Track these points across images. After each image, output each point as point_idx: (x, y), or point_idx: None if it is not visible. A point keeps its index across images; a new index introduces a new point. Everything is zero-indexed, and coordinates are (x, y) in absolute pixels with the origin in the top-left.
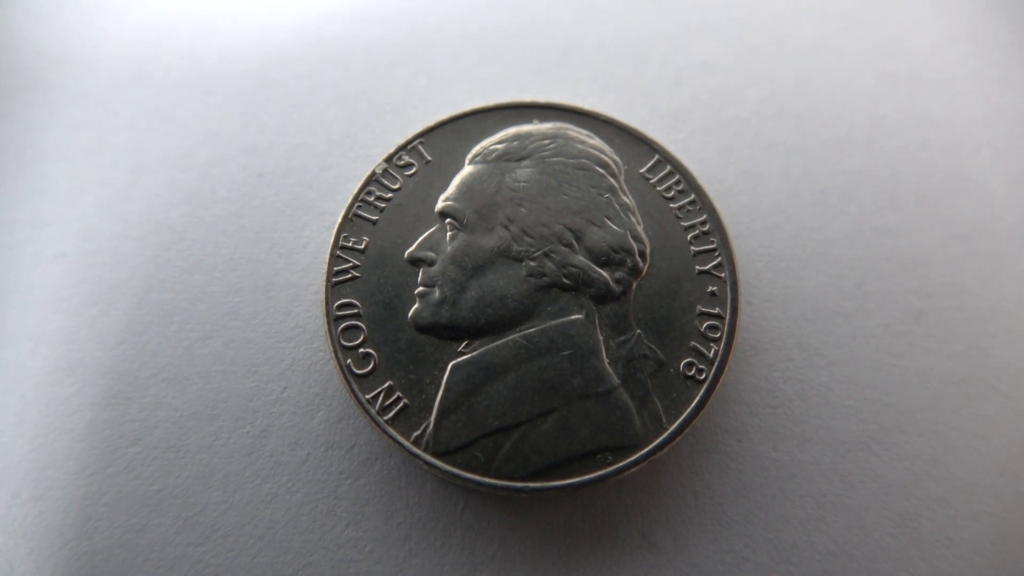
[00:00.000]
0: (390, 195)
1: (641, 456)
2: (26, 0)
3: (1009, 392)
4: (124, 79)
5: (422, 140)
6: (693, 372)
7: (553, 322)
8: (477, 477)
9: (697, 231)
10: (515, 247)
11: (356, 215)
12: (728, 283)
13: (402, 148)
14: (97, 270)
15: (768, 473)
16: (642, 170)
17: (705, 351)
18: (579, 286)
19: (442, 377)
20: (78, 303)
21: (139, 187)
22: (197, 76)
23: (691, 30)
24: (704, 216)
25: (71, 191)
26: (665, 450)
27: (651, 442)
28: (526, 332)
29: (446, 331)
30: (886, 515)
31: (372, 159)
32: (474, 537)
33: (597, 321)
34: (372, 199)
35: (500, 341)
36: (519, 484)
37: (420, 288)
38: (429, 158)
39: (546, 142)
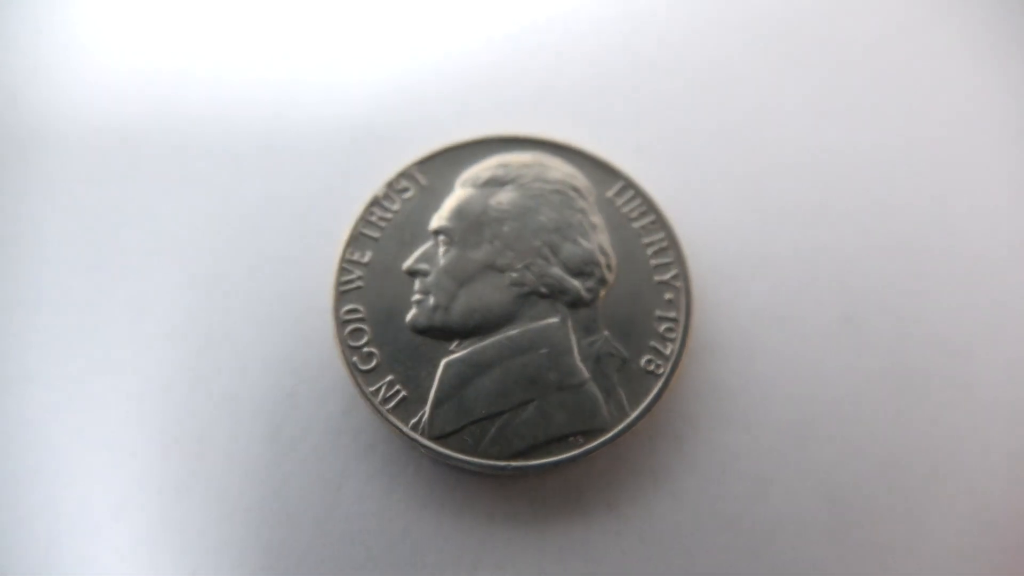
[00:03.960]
0: (390, 215)
1: (608, 439)
2: None
3: (921, 386)
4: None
5: (418, 167)
6: (652, 368)
7: (532, 325)
8: (467, 458)
9: (656, 247)
10: (499, 260)
11: (361, 233)
12: (682, 291)
13: (400, 175)
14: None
15: (716, 454)
16: (608, 194)
17: (663, 350)
18: (555, 294)
19: (436, 372)
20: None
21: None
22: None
23: (652, 71)
24: (662, 234)
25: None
26: (628, 434)
27: (616, 427)
28: (509, 334)
29: (439, 333)
30: (816, 490)
31: (373, 184)
32: (464, 509)
33: (570, 324)
34: (374, 219)
35: (486, 341)
36: (503, 463)
37: (416, 296)
38: (424, 183)
39: (526, 169)
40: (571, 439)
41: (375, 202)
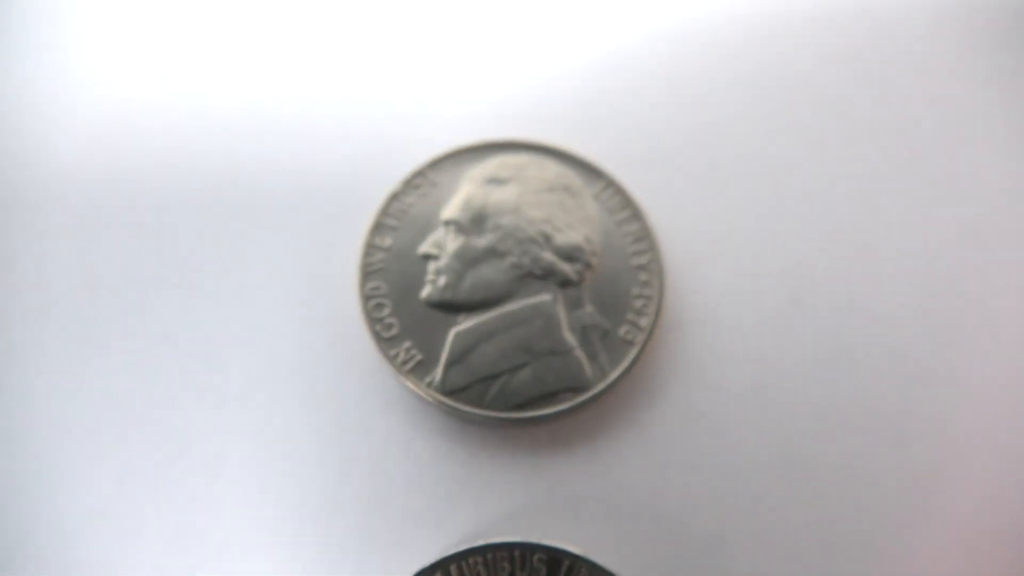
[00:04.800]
0: (406, 207)
1: (591, 396)
2: None
3: (857, 357)
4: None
5: (430, 167)
6: (630, 337)
7: (528, 301)
8: (473, 410)
9: (633, 236)
10: (500, 247)
11: (382, 222)
12: (656, 274)
13: (415, 173)
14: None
15: (683, 411)
16: (594, 191)
17: (639, 322)
18: (547, 276)
19: (446, 340)
20: None
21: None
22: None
23: (632, 90)
24: (639, 225)
25: None
26: (609, 392)
27: (598, 386)
28: (508, 308)
29: (449, 307)
30: (767, 441)
31: (392, 182)
32: (471, 454)
33: (560, 301)
34: (393, 210)
35: (489, 315)
36: (504, 415)
37: (430, 276)
38: (435, 180)
39: (523, 169)
40: (560, 396)
41: (394, 196)
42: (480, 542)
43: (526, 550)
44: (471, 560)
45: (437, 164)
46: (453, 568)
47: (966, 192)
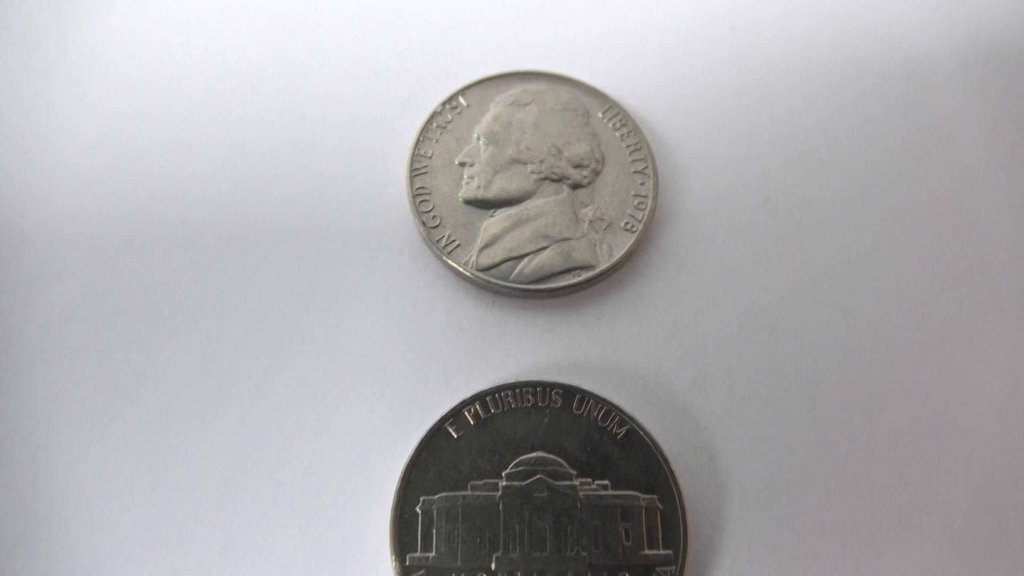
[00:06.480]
0: (446, 124)
1: (599, 273)
2: None
3: (816, 249)
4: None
5: (462, 93)
6: (629, 228)
7: (546, 199)
8: (504, 283)
9: (633, 148)
10: (523, 156)
11: (425, 136)
12: (651, 178)
13: (451, 96)
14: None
15: (669, 288)
16: (599, 113)
17: (636, 217)
18: (561, 179)
19: (480, 229)
20: None
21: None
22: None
23: (633, 27)
24: (637, 139)
25: None
26: (611, 272)
27: (603, 266)
28: (530, 204)
29: (481, 204)
30: (737, 311)
31: (432, 104)
32: (500, 319)
33: (572, 199)
34: (434, 127)
35: (513, 209)
36: (529, 287)
37: (465, 179)
38: (467, 104)
39: (541, 94)
40: (573, 273)
41: (434, 115)
42: (510, 381)
43: (546, 387)
44: (503, 393)
45: (468, 89)
46: (488, 399)
47: (921, 96)
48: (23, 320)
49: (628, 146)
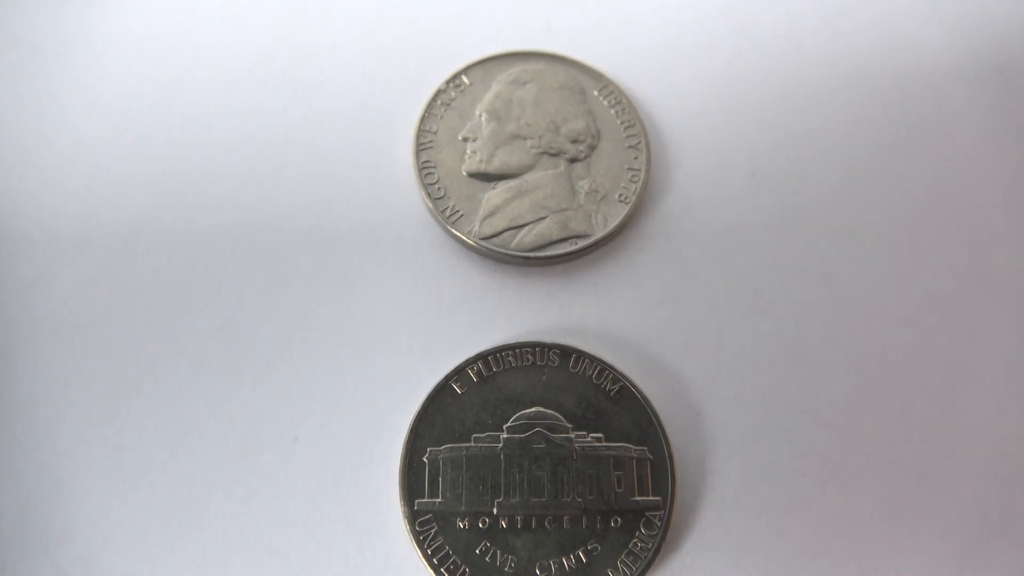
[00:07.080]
0: (450, 101)
1: (595, 241)
2: None
3: (802, 219)
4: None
5: (465, 72)
6: (623, 199)
7: (544, 172)
8: (505, 251)
9: (626, 124)
10: (522, 132)
11: (431, 112)
12: (644, 152)
13: (455, 75)
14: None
15: (661, 256)
16: (596, 91)
17: (629, 189)
18: (559, 154)
19: (482, 201)
20: None
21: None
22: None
23: (626, 12)
24: (631, 116)
25: None
26: (606, 241)
27: (598, 235)
28: (529, 177)
29: (483, 177)
30: (725, 279)
31: (437, 82)
32: (502, 285)
33: (569, 173)
34: (439, 104)
35: (513, 182)
36: (529, 254)
37: (468, 153)
38: (469, 82)
39: (540, 73)
40: (570, 241)
41: (439, 93)
42: (510, 342)
43: (545, 347)
44: (504, 353)
45: (471, 68)
46: (491, 358)
47: (910, 70)
48: (46, 295)
49: (622, 123)
